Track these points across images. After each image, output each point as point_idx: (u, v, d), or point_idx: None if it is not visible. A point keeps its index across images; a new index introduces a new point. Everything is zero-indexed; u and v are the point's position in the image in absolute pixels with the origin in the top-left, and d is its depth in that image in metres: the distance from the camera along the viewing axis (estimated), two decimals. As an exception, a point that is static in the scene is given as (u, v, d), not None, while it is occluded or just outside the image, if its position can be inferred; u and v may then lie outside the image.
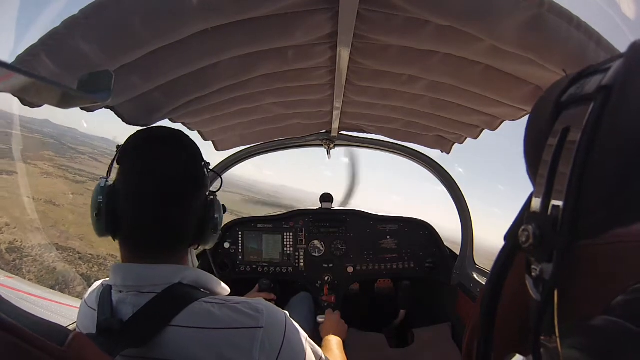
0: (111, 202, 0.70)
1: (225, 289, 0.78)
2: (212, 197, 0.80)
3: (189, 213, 0.73)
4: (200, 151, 0.77)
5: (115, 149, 0.76)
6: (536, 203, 0.34)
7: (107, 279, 0.76)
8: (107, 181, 0.74)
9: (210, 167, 0.80)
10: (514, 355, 0.36)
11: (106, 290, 0.71)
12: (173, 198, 0.70)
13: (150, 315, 0.64)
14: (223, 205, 0.82)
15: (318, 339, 1.35)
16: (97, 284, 0.78)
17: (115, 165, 0.75)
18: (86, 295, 0.78)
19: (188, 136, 0.77)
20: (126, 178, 0.71)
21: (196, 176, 0.74)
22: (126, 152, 0.73)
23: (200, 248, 0.80)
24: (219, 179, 1.21)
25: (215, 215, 0.78)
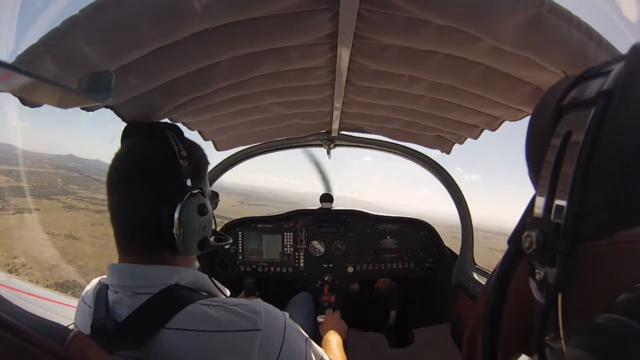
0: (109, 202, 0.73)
1: (224, 290, 0.78)
2: (191, 192, 0.72)
3: (140, 205, 0.70)
4: (172, 141, 0.74)
5: None
6: (538, 208, 0.34)
7: (105, 276, 0.75)
8: None
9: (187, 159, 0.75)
10: (519, 356, 0.36)
11: (102, 289, 0.70)
12: (123, 186, 0.71)
13: (145, 317, 0.64)
14: (203, 204, 0.74)
15: (318, 339, 1.36)
16: (95, 281, 0.78)
17: None
18: (84, 292, 0.78)
19: (162, 124, 0.78)
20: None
21: (145, 164, 0.71)
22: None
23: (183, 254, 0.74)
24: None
25: (185, 213, 0.70)
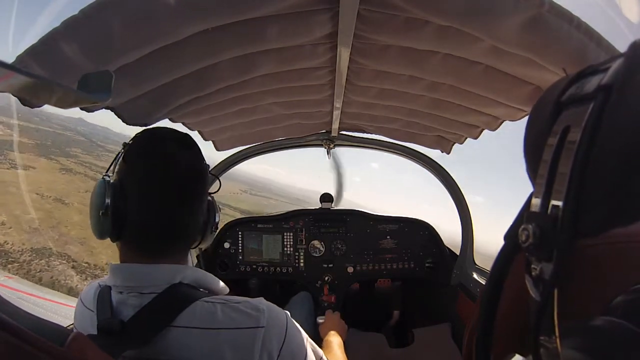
0: (116, 200, 0.68)
1: (224, 287, 0.78)
2: (210, 198, 0.82)
3: (194, 213, 0.74)
4: (201, 152, 0.78)
5: (122, 146, 0.74)
6: (536, 202, 0.34)
7: (104, 278, 0.75)
8: (109, 179, 0.71)
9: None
10: (513, 356, 0.36)
11: (105, 290, 0.70)
12: (180, 197, 0.71)
13: (151, 316, 0.64)
14: (218, 206, 0.87)
15: (318, 339, 1.36)
16: (94, 284, 0.77)
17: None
18: (82, 295, 0.77)
19: (192, 137, 0.78)
20: (133, 177, 0.70)
21: (201, 176, 0.76)
22: (133, 151, 0.72)
23: (200, 247, 0.85)
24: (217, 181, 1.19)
25: (216, 216, 0.82)
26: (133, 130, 0.83)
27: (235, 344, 0.63)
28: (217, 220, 0.83)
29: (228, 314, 0.65)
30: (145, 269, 0.68)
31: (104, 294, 0.70)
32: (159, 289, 0.66)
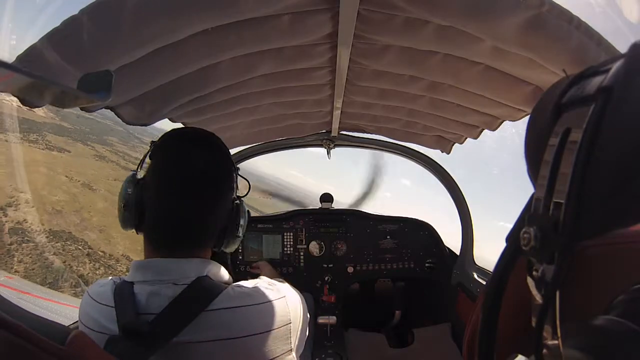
0: (140, 194, 0.74)
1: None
2: (238, 201, 0.82)
3: (213, 212, 0.75)
4: (230, 155, 0.80)
5: (150, 145, 0.79)
6: (537, 204, 0.34)
7: (122, 276, 0.74)
8: (136, 175, 0.78)
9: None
10: (516, 356, 0.36)
11: (125, 286, 0.69)
12: (200, 194, 0.73)
13: (186, 303, 0.66)
14: (248, 210, 0.85)
15: (317, 339, 1.36)
16: (107, 280, 0.75)
17: (148, 161, 0.78)
18: (91, 292, 0.74)
19: (220, 139, 0.80)
20: (156, 172, 0.74)
21: (225, 176, 0.77)
22: (159, 148, 0.76)
23: (224, 249, 0.84)
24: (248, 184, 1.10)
25: (240, 220, 0.81)
26: (170, 127, 0.88)
27: (274, 312, 0.72)
28: (240, 223, 0.81)
29: (260, 292, 0.73)
30: (178, 263, 0.71)
31: (123, 289, 0.68)
32: (189, 280, 0.68)
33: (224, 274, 0.78)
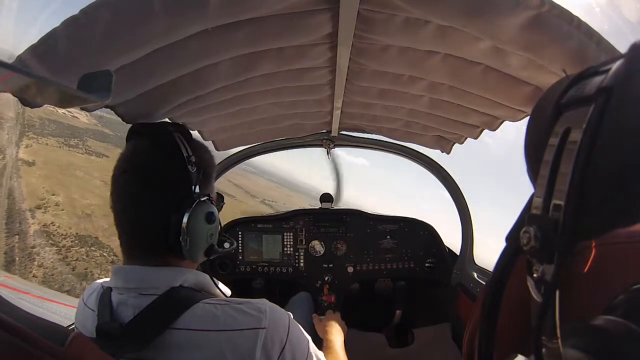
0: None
1: (226, 290, 0.78)
2: (199, 200, 0.71)
3: (147, 212, 0.69)
4: (177, 146, 0.72)
5: None
6: (537, 204, 0.34)
7: (108, 279, 0.75)
8: None
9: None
10: (515, 356, 0.36)
11: (106, 292, 0.70)
12: (135, 196, 0.70)
13: (151, 318, 0.64)
14: (211, 212, 0.73)
15: (318, 339, 1.35)
16: (97, 283, 0.77)
17: None
18: (85, 295, 0.77)
19: (166, 126, 0.75)
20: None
21: (154, 171, 0.70)
22: None
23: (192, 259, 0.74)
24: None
25: (196, 221, 0.69)
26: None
27: (236, 346, 0.62)
28: (195, 228, 0.69)
29: (230, 315, 0.64)
30: (144, 271, 0.69)
31: (104, 295, 0.70)
32: (159, 291, 0.66)
33: (205, 282, 0.72)
